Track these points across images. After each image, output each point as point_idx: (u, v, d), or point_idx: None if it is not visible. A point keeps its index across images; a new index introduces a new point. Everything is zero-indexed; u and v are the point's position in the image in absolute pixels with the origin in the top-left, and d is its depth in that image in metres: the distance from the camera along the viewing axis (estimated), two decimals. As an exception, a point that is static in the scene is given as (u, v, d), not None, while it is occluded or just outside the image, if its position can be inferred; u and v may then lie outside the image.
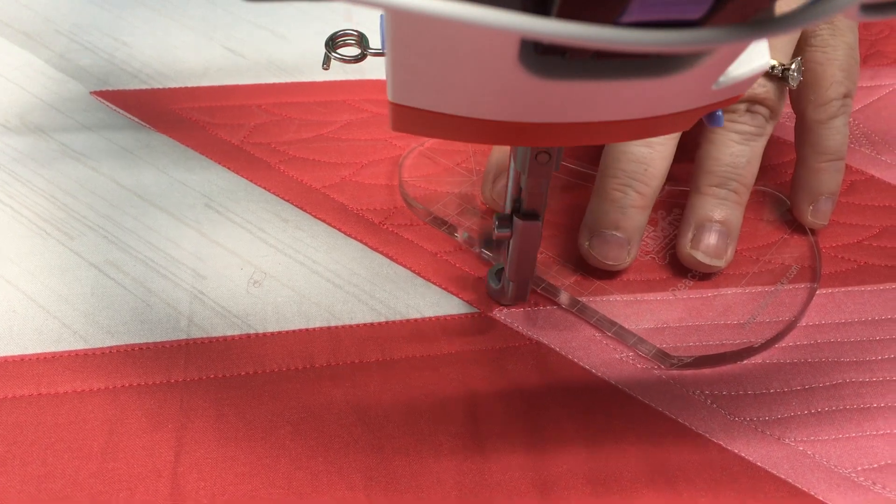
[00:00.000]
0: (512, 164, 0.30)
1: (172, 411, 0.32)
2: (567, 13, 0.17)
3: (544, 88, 0.20)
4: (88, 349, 0.34)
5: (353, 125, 0.46)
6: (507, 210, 0.32)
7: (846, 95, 0.38)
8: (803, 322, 0.37)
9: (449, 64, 0.20)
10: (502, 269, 0.35)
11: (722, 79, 0.22)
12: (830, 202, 0.39)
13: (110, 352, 0.34)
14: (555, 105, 0.22)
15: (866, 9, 0.17)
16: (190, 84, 0.48)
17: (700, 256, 0.37)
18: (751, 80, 0.23)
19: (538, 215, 0.31)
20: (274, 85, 0.48)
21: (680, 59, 0.20)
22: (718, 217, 0.37)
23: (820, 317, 0.37)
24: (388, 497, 0.30)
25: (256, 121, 0.45)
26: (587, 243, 0.37)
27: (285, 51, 0.50)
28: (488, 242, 0.37)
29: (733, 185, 0.37)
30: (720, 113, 0.25)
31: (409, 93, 0.22)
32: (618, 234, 0.36)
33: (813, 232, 0.40)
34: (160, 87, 0.47)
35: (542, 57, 0.20)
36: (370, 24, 0.33)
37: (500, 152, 0.39)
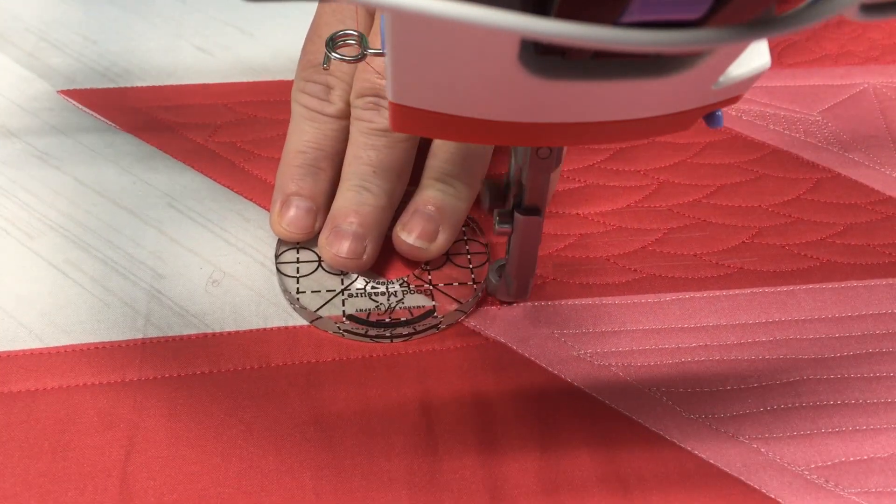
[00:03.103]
0: (512, 160, 0.30)
1: (125, 410, 0.32)
2: (567, 13, 0.17)
3: (544, 88, 0.20)
4: (44, 348, 0.34)
5: (320, 124, 0.45)
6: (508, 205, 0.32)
7: None
8: (762, 319, 0.37)
9: (449, 64, 0.20)
10: (503, 265, 0.35)
11: (722, 79, 0.22)
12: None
13: (66, 351, 0.34)
14: (555, 105, 0.22)
15: (866, 9, 0.17)
16: (158, 83, 0.48)
17: (406, 237, 0.36)
18: (751, 81, 0.23)
19: (539, 210, 0.31)
20: (241, 84, 0.48)
21: (680, 60, 0.20)
22: (434, 204, 0.36)
23: (780, 314, 0.37)
24: (338, 496, 0.30)
25: (222, 119, 0.45)
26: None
27: (254, 49, 0.50)
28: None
29: (449, 179, 0.37)
30: (720, 113, 0.25)
31: (409, 93, 0.22)
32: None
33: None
34: (128, 85, 0.47)
35: (541, 57, 0.20)
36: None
37: (289, 170, 0.38)
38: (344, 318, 0.35)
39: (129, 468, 0.30)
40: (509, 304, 0.37)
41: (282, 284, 0.36)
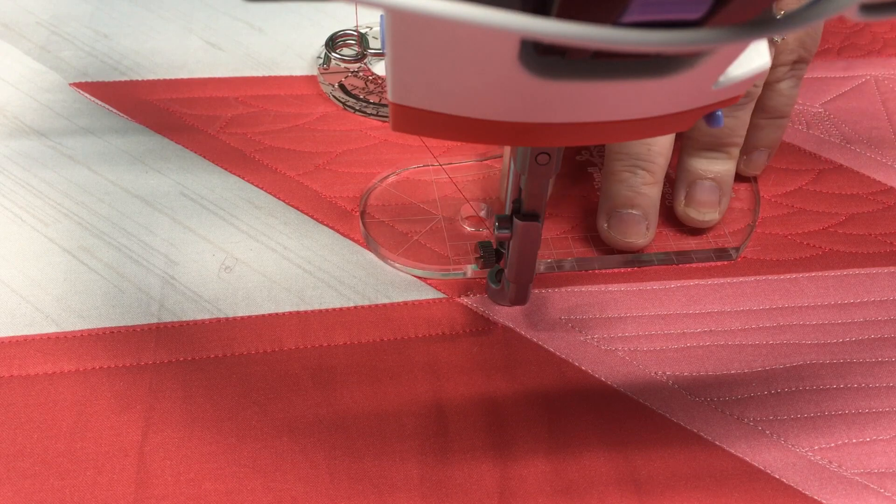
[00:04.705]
0: (512, 165, 0.30)
1: (141, 393, 0.33)
2: (567, 13, 0.17)
3: (544, 88, 0.20)
4: (60, 333, 0.35)
5: (329, 117, 0.46)
6: (507, 211, 0.32)
7: (797, 62, 0.40)
8: (765, 305, 0.37)
9: (449, 64, 0.20)
10: (502, 270, 0.35)
11: (722, 79, 0.22)
12: (765, 154, 0.42)
13: (81, 335, 0.35)
14: (555, 105, 0.22)
15: (866, 9, 0.17)
16: (169, 76, 0.48)
17: (693, 213, 0.39)
18: (750, 81, 0.23)
19: (538, 216, 0.31)
20: (251, 78, 0.48)
21: (679, 60, 0.20)
22: (711, 174, 0.39)
23: (783, 300, 0.38)
24: (351, 475, 0.31)
25: (233, 112, 0.46)
26: (605, 225, 0.38)
27: (263, 44, 0.51)
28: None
29: (724, 146, 0.40)
30: (720, 113, 0.25)
31: (409, 93, 0.22)
32: (633, 212, 0.37)
33: (755, 180, 0.43)
34: (139, 78, 0.48)
35: (542, 57, 0.20)
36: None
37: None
38: None
39: (146, 448, 0.31)
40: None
41: None
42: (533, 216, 0.31)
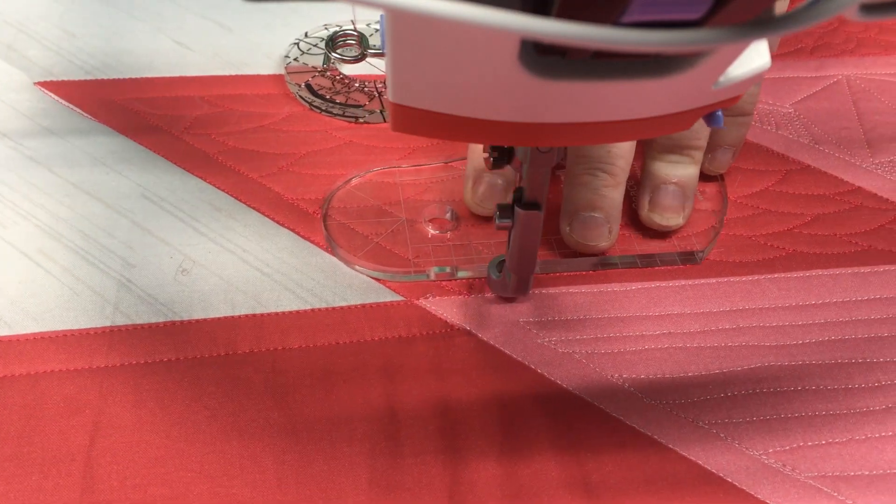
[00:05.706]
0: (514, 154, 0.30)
1: (91, 396, 0.33)
2: (567, 13, 0.17)
3: (544, 88, 0.20)
4: (12, 335, 0.34)
5: (295, 117, 0.46)
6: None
7: None
8: (726, 307, 0.37)
9: (449, 64, 0.20)
10: (503, 260, 0.35)
11: (722, 79, 0.22)
12: (730, 153, 0.42)
13: (34, 338, 0.34)
14: (555, 105, 0.22)
15: (866, 9, 0.17)
16: (136, 75, 0.48)
17: (657, 218, 0.39)
18: (750, 81, 0.23)
19: (539, 205, 0.31)
20: (218, 77, 0.48)
21: (679, 60, 0.20)
22: (674, 178, 0.39)
23: (744, 302, 0.37)
24: (299, 480, 0.30)
25: (199, 112, 0.46)
26: (568, 228, 0.38)
27: (232, 43, 0.50)
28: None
29: (686, 150, 0.39)
30: (720, 113, 0.25)
31: (409, 93, 0.22)
32: (595, 215, 0.37)
33: (723, 181, 0.43)
34: (105, 77, 0.48)
35: (542, 57, 0.20)
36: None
37: (478, 156, 0.39)
38: None
39: (94, 453, 0.31)
40: (509, 299, 0.37)
41: None
42: (534, 205, 0.31)
